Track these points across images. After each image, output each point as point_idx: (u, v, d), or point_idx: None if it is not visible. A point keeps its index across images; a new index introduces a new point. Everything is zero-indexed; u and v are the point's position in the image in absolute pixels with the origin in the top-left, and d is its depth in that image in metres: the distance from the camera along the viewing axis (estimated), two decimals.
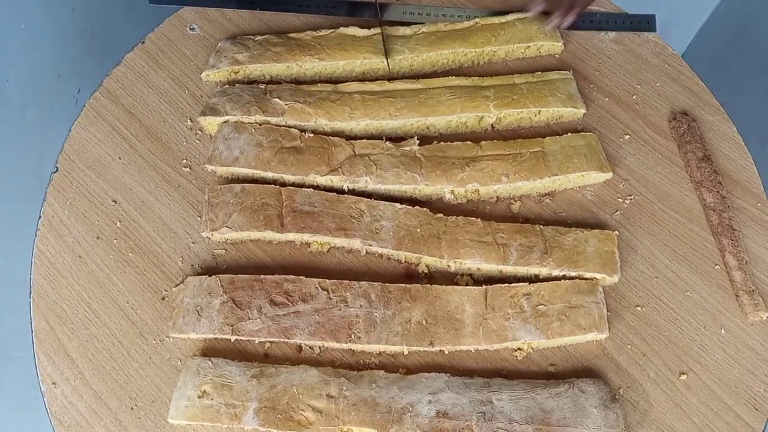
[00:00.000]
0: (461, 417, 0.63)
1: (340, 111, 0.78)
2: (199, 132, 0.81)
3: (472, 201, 0.78)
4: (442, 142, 0.78)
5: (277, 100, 0.78)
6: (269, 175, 0.75)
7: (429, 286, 0.70)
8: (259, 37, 0.84)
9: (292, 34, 0.85)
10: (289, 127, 0.78)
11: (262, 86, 0.81)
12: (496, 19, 0.87)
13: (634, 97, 0.85)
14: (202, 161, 0.79)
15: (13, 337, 0.98)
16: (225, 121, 0.77)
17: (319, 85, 0.81)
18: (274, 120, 0.77)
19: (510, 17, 0.87)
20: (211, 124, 0.79)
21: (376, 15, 0.87)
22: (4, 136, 0.93)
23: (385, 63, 0.83)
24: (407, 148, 0.77)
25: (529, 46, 0.86)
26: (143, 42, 0.87)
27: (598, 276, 0.71)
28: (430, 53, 0.83)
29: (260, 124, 0.77)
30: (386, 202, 0.74)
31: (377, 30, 0.85)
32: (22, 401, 1.02)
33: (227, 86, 0.81)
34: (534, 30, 0.85)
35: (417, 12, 0.89)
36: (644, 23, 0.90)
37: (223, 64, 0.81)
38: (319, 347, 0.69)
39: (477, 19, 0.87)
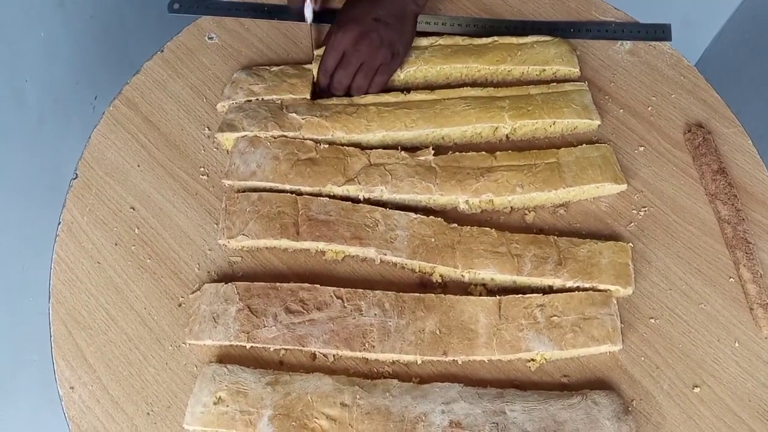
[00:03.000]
0: (474, 427, 0.63)
1: (356, 124, 0.78)
2: (217, 140, 0.82)
3: (487, 211, 0.78)
4: (457, 153, 0.78)
5: (294, 114, 0.79)
6: (287, 187, 0.75)
7: (443, 295, 0.70)
8: (275, 68, 0.84)
9: (307, 66, 0.84)
10: (304, 139, 0.78)
11: (278, 101, 0.81)
12: (515, 39, 0.86)
13: (649, 108, 0.85)
14: (219, 169, 0.80)
15: (30, 341, 1.00)
16: (240, 136, 0.78)
17: (334, 99, 0.82)
18: (291, 134, 0.78)
19: (529, 39, 0.86)
20: (228, 140, 0.79)
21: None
22: (23, 142, 0.95)
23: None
24: (422, 158, 0.77)
25: (544, 69, 0.85)
26: (162, 50, 0.88)
27: (611, 288, 0.71)
28: (444, 66, 0.84)
29: (275, 137, 0.78)
30: (401, 212, 0.74)
31: None
32: (38, 404, 1.03)
33: (243, 102, 0.81)
34: (551, 54, 0.85)
35: (433, 22, 0.89)
36: (659, 32, 0.90)
37: (239, 96, 0.81)
38: (333, 355, 0.70)
39: (495, 38, 0.87)
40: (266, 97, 0.81)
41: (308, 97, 0.81)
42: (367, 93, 0.81)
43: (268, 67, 0.85)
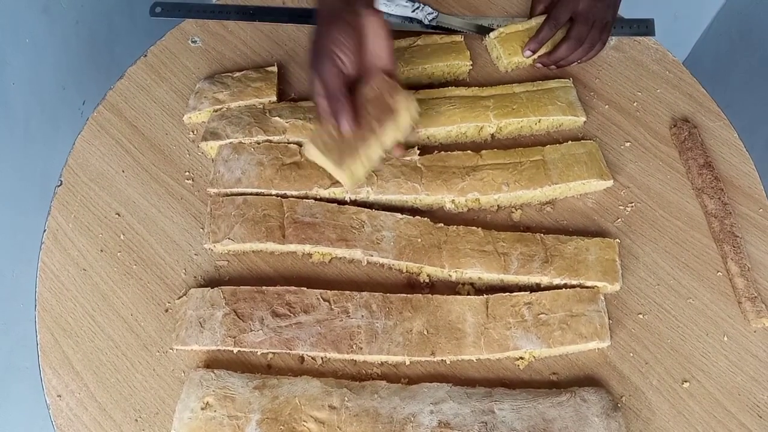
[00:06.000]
0: (463, 427, 0.63)
1: None
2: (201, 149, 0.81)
3: (473, 210, 0.78)
4: (442, 152, 0.78)
5: (278, 118, 0.78)
6: (273, 192, 0.75)
7: (430, 296, 0.70)
8: (237, 74, 0.84)
9: (269, 68, 0.84)
10: (288, 143, 0.78)
11: (260, 106, 0.81)
12: (504, 29, 0.86)
13: (635, 104, 0.85)
14: (204, 173, 0.79)
15: (21, 348, 0.99)
16: (224, 143, 0.77)
17: None
18: (276, 139, 0.78)
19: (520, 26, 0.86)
20: (212, 148, 0.79)
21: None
22: (10, 148, 0.94)
23: None
24: (408, 158, 0.77)
25: None
26: (145, 55, 0.87)
27: (599, 284, 0.71)
28: (425, 66, 0.83)
29: (259, 143, 0.77)
30: (387, 212, 0.74)
31: None
32: (29, 411, 1.03)
33: (225, 109, 0.81)
34: None
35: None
36: (643, 27, 0.90)
37: (204, 105, 0.80)
38: (321, 358, 0.69)
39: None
40: (233, 104, 0.81)
41: (275, 99, 0.81)
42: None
43: (230, 74, 0.84)
